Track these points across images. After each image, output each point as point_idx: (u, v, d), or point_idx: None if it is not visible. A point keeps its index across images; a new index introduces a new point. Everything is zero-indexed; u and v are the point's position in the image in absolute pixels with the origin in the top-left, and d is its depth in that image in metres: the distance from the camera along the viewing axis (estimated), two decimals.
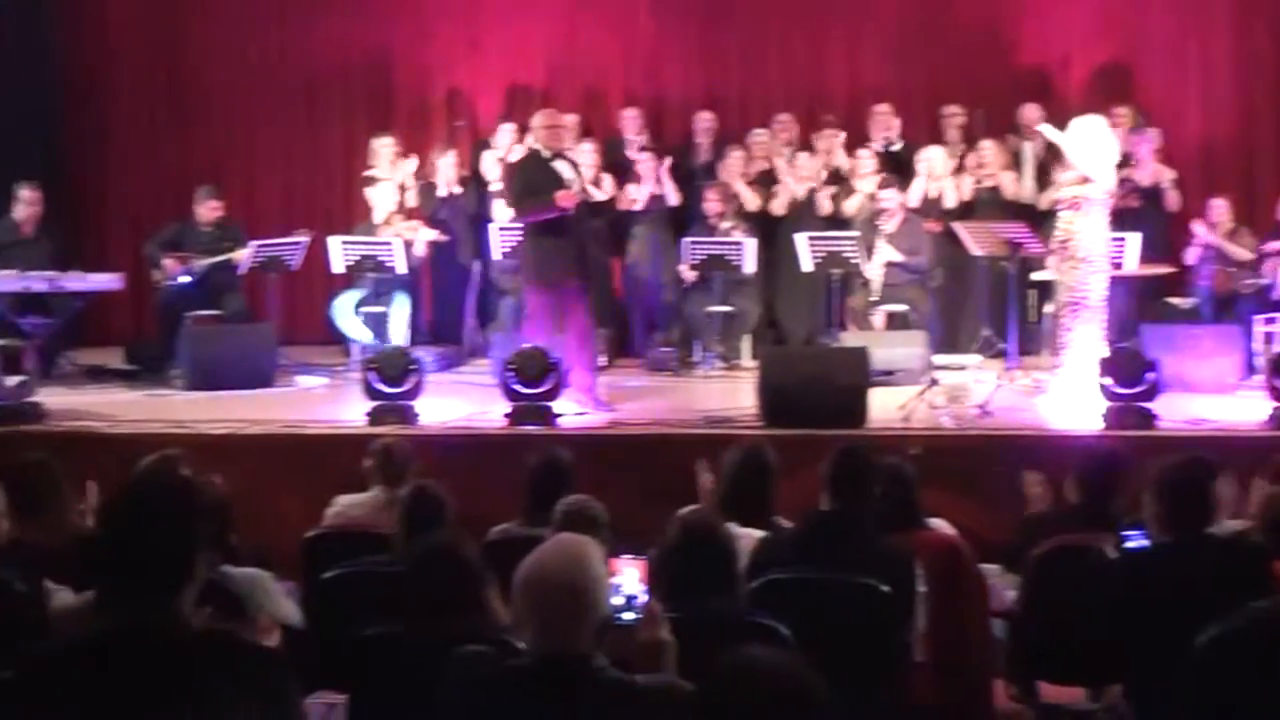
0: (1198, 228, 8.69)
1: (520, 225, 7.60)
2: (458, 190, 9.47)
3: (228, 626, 2.84)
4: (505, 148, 9.37)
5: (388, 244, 8.73)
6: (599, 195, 8.58)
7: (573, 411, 6.96)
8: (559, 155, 7.30)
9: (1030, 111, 9.21)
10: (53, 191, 8.91)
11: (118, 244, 10.22)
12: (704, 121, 9.73)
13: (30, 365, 7.02)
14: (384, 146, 9.39)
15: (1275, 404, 6.50)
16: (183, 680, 2.25)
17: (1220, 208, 8.71)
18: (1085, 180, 7.17)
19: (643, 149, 9.48)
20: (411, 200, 9.29)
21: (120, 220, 10.45)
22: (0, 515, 4.06)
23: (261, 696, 2.25)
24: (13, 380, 6.87)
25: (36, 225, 8.64)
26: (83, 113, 10.46)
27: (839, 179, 9.30)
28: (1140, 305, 8.55)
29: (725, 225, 8.94)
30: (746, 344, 9.03)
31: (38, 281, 8.08)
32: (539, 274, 7.22)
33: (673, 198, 9.22)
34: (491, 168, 9.42)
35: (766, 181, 9.35)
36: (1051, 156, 8.58)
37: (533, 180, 7.17)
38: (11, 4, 9.79)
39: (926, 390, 7.14)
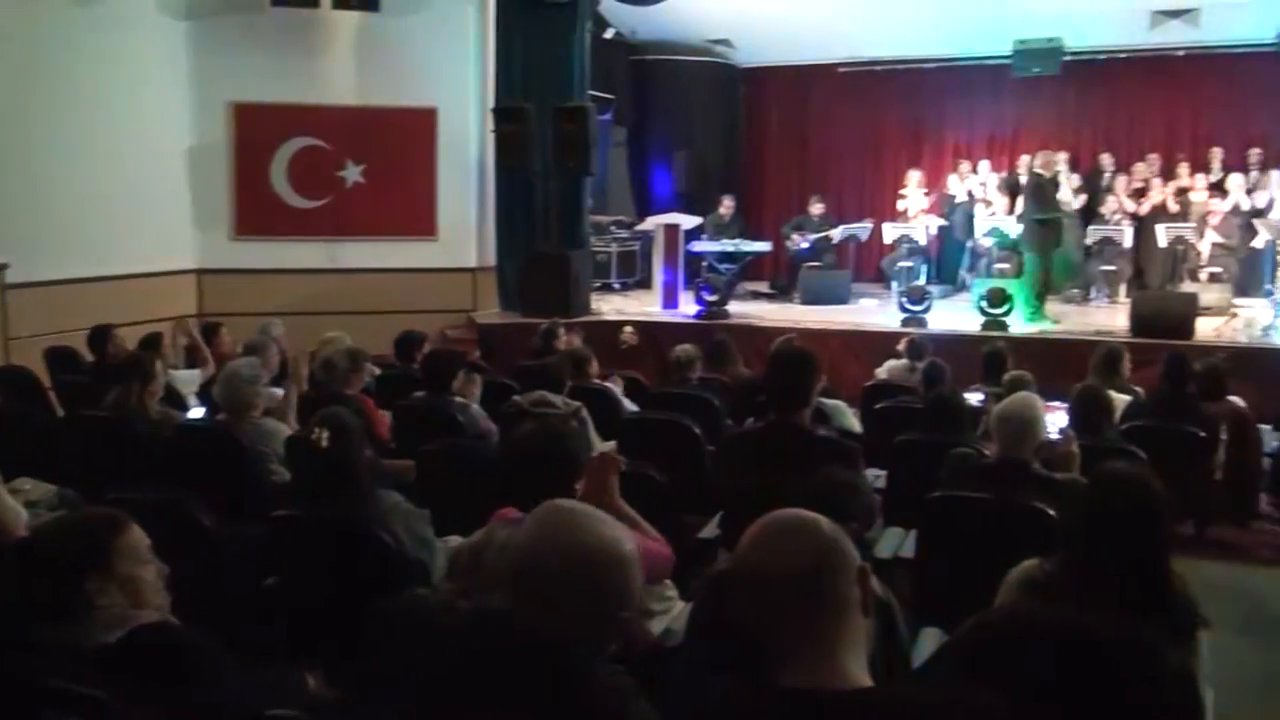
0: None
1: None
2: None
3: (823, 429, 4.97)
4: None
5: None
6: None
7: None
8: None
9: None
10: None
11: None
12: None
13: None
14: None
15: None
16: (800, 456, 4.06)
17: None
18: None
19: None
20: None
21: None
22: (696, 361, 7.17)
23: (848, 465, 3.92)
24: None
25: None
26: None
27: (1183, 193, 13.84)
28: None
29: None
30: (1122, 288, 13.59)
31: None
32: None
33: None
34: None
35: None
36: None
37: None
38: None
39: (1230, 320, 11.01)
